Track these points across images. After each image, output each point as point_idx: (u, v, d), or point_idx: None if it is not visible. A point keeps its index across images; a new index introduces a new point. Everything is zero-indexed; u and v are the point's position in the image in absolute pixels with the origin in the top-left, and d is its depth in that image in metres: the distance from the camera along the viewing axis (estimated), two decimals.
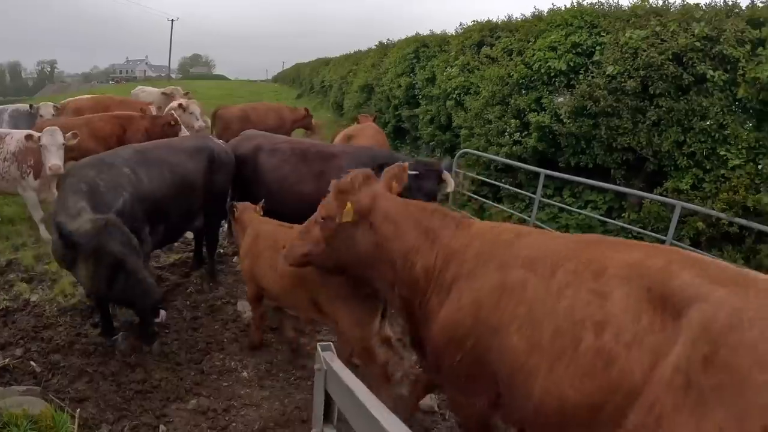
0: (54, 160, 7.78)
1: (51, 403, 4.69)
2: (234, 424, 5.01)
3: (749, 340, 2.18)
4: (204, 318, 6.61)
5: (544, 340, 2.90)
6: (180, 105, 12.79)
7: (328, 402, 2.75)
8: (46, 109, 11.62)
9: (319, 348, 2.72)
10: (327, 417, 2.82)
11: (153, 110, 12.04)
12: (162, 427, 4.92)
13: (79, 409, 4.68)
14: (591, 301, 2.78)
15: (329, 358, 2.63)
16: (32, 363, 5.56)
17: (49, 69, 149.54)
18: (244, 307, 6.79)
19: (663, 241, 6.48)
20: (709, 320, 2.29)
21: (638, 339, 2.55)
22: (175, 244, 8.27)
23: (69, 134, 8.08)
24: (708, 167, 6.76)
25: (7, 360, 5.52)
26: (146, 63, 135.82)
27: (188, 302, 6.90)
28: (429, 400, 5.69)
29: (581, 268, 2.94)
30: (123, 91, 20.89)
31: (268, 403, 5.34)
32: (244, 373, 5.76)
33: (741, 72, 6.41)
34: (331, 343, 2.75)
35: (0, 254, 8.06)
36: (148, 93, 18.21)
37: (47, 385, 5.25)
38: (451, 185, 6.16)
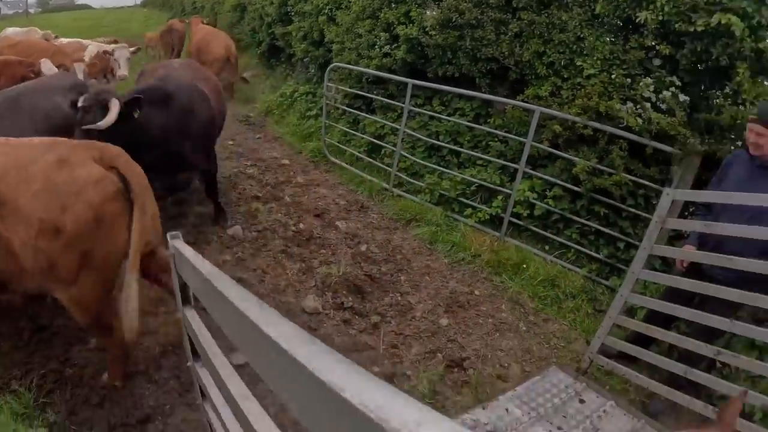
0: None
1: None
2: (135, 353, 4.88)
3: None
4: None
5: None
6: (105, 52, 11.48)
7: (184, 286, 2.74)
8: None
9: (168, 237, 2.71)
10: (185, 300, 2.82)
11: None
12: (69, 370, 4.78)
13: None
14: None
15: (179, 246, 2.61)
16: None
17: None
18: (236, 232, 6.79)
19: (524, 144, 6.73)
20: None
21: None
22: None
23: None
24: (566, 76, 6.89)
25: None
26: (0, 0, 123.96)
27: None
28: (313, 302, 5.75)
29: None
30: None
31: (165, 329, 5.26)
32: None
33: None
34: (179, 232, 2.75)
35: None
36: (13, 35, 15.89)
37: None
38: (112, 115, 5.22)
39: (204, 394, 2.87)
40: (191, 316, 2.76)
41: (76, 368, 4.80)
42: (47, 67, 8.81)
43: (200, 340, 2.48)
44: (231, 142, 10.73)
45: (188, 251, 2.47)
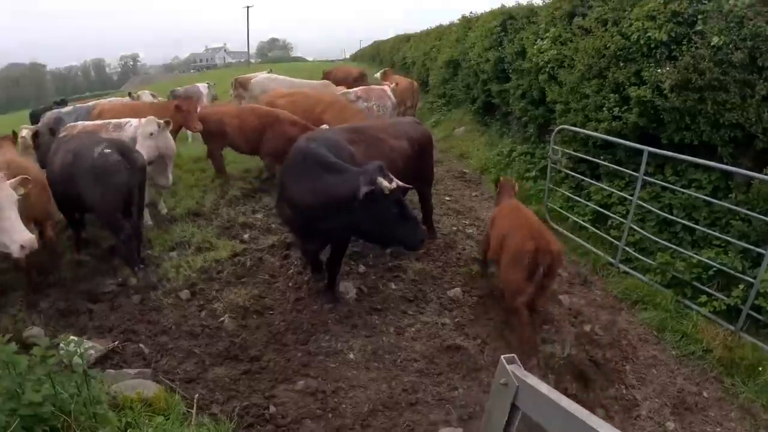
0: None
1: (162, 384, 4.93)
2: (343, 406, 5.19)
3: None
4: (307, 299, 6.76)
5: None
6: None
7: (512, 418, 2.64)
8: (146, 96, 13.24)
9: (504, 361, 2.61)
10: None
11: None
12: (272, 408, 5.11)
13: (197, 395, 4.83)
14: None
15: (520, 373, 2.53)
16: (141, 345, 5.84)
17: (131, 63, 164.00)
18: (347, 288, 6.97)
19: None
20: None
21: None
22: (272, 225, 8.47)
23: (162, 122, 8.11)
24: None
25: (116, 342, 5.81)
26: (225, 50, 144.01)
27: (290, 283, 7.08)
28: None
29: None
30: (200, 80, 21.69)
31: (376, 385, 5.50)
32: (351, 355, 5.96)
33: None
34: (514, 355, 2.65)
35: (104, 240, 8.25)
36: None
37: (156, 366, 5.50)
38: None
39: None
40: None
41: (280, 407, 5.14)
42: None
43: None
44: (448, 198, 11.12)
45: (537, 382, 2.45)
